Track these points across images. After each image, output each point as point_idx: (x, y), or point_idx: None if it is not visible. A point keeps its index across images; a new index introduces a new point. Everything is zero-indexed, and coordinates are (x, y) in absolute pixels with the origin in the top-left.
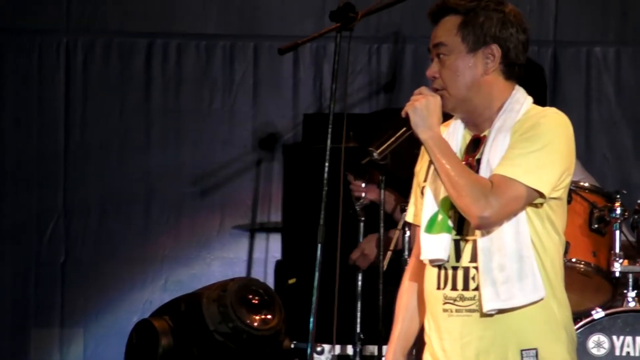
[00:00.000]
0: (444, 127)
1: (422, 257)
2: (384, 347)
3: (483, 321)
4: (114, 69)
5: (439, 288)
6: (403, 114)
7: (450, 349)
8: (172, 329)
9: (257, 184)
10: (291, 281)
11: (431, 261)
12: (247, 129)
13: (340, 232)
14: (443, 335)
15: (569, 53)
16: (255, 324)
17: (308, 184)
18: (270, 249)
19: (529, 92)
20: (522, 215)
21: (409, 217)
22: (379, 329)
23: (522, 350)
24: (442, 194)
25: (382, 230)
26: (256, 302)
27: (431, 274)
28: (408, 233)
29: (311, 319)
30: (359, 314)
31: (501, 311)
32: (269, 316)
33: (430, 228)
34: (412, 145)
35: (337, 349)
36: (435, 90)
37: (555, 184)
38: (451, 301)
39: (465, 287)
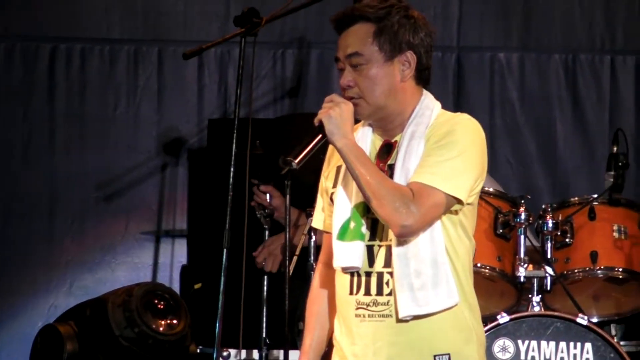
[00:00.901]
0: (359, 127)
1: (335, 265)
2: (290, 352)
3: (396, 326)
4: (17, 74)
5: (351, 293)
6: (316, 122)
7: (361, 354)
8: (77, 334)
9: (162, 188)
10: (197, 286)
11: (344, 269)
12: (151, 134)
13: (246, 237)
14: (355, 340)
15: (472, 58)
16: (161, 328)
17: (213, 189)
18: (176, 254)
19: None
20: (436, 222)
21: (315, 223)
22: (285, 333)
23: (435, 356)
24: (354, 200)
25: (288, 235)
26: (162, 307)
27: (343, 279)
28: (314, 238)
29: (217, 324)
30: (264, 319)
31: (415, 317)
32: (174, 321)
33: (342, 235)
34: (317, 151)
35: (243, 353)
36: (350, 99)
37: (471, 190)
38: (364, 306)
39: (379, 292)
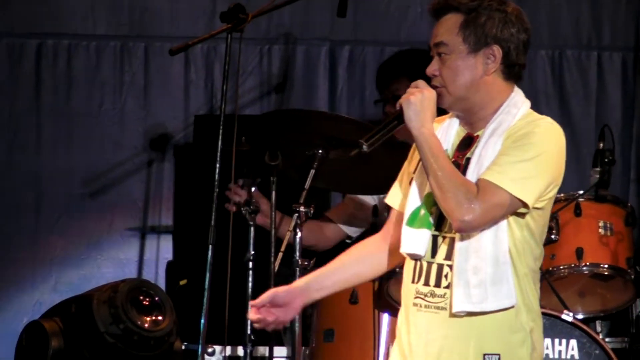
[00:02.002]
0: (438, 122)
1: (401, 250)
2: (275, 348)
3: (450, 320)
4: (3, 70)
5: (413, 282)
6: (397, 106)
7: (415, 344)
8: (63, 330)
9: (148, 185)
10: (182, 282)
11: (409, 255)
12: (137, 130)
13: (231, 233)
14: (411, 329)
15: None
16: (146, 325)
17: (199, 185)
18: (161, 250)
19: None
20: (502, 221)
21: (390, 199)
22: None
23: (484, 355)
24: (427, 189)
25: (273, 231)
26: (147, 303)
27: (408, 266)
28: (299, 234)
29: (202, 320)
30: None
31: (470, 313)
32: (159, 317)
33: (412, 221)
34: (304, 147)
35: (228, 350)
36: (435, 88)
37: (540, 195)
38: (422, 296)
39: (437, 284)
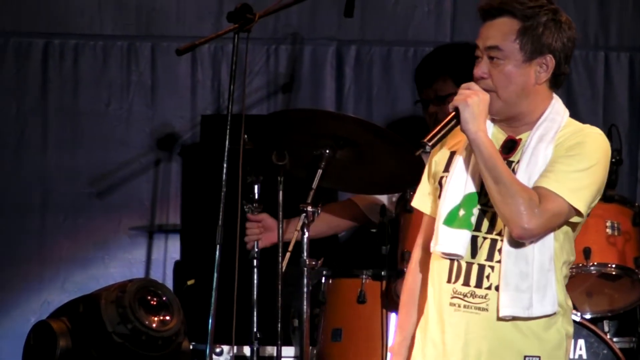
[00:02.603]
0: None
1: (437, 249)
2: (283, 348)
3: (491, 322)
4: (9, 70)
5: (449, 281)
6: (451, 107)
7: (451, 344)
8: (71, 330)
9: (155, 185)
10: (190, 282)
11: (447, 254)
12: (144, 130)
13: (239, 232)
14: (446, 329)
15: None
16: (154, 325)
17: (206, 185)
18: (169, 250)
19: None
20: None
21: (419, 204)
22: (278, 329)
23: (525, 357)
24: (467, 189)
25: (281, 231)
26: (155, 303)
27: (441, 266)
28: (307, 234)
29: (210, 320)
30: (255, 315)
31: (514, 317)
32: (167, 317)
33: (450, 221)
34: (311, 147)
35: (236, 349)
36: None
37: (591, 204)
38: (460, 296)
39: (478, 285)
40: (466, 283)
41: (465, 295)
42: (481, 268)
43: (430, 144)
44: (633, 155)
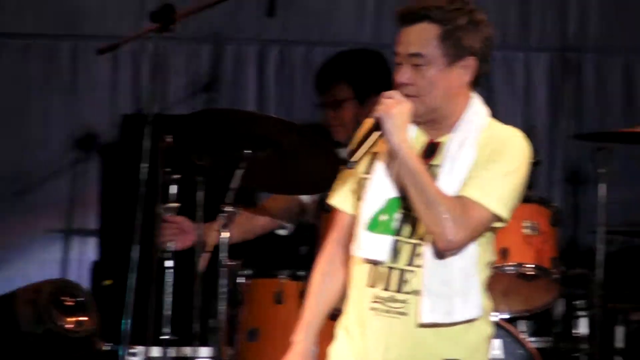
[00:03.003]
0: None
1: (358, 254)
2: (200, 348)
3: (411, 326)
4: None
5: (369, 285)
6: (374, 118)
7: (372, 348)
8: None
9: (73, 184)
10: (107, 282)
11: (368, 260)
12: (64, 129)
13: (157, 233)
14: (367, 332)
15: (388, 54)
16: (69, 326)
17: (125, 185)
18: (86, 251)
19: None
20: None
21: (337, 201)
22: (195, 330)
23: None
24: (390, 194)
25: (200, 231)
26: (70, 303)
27: (361, 270)
28: (224, 234)
29: (124, 321)
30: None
31: (435, 323)
32: (83, 318)
33: (372, 226)
34: (232, 147)
35: (152, 350)
36: (406, 96)
37: (514, 208)
38: (381, 301)
39: (399, 289)
40: (386, 288)
41: (385, 300)
42: (401, 273)
43: (352, 160)
44: (552, 155)
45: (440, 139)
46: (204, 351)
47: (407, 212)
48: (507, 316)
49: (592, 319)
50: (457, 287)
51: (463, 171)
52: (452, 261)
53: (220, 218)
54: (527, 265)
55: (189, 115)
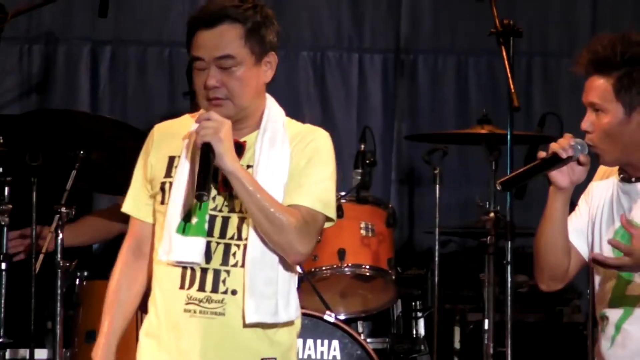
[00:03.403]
0: (182, 124)
1: (169, 258)
2: (36, 350)
3: (228, 326)
4: None
5: (182, 288)
6: (199, 143)
7: (188, 350)
8: None
9: None
10: None
11: (181, 263)
12: None
13: None
14: (182, 335)
15: None
16: None
17: None
18: None
19: None
20: None
21: (129, 208)
22: (31, 331)
23: (262, 359)
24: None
25: (34, 232)
26: None
27: (171, 273)
28: (61, 235)
29: None
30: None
31: (259, 324)
32: None
33: (183, 230)
34: (66, 147)
35: None
36: (216, 99)
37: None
38: (196, 302)
39: (214, 290)
40: (202, 289)
41: (201, 301)
42: (217, 273)
43: (205, 193)
44: (387, 156)
45: (244, 138)
46: (41, 353)
47: (215, 212)
48: (344, 317)
49: (429, 320)
50: (281, 288)
51: (280, 172)
52: (276, 260)
53: (54, 219)
54: (364, 267)
55: (21, 116)
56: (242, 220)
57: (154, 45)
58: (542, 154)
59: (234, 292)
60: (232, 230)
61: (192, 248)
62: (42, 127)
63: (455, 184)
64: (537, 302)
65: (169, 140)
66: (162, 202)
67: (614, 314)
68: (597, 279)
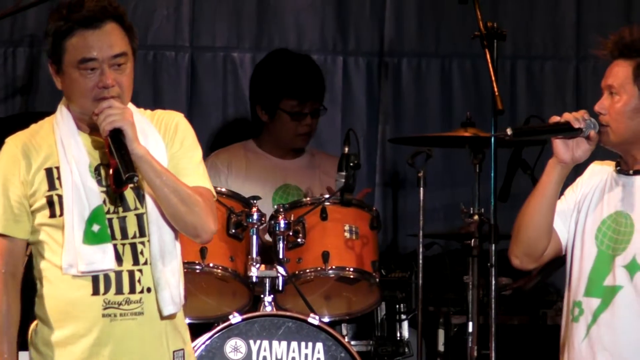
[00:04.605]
0: (39, 134)
1: (82, 270)
2: (20, 353)
3: (147, 323)
4: None
5: (96, 294)
6: (107, 129)
7: (112, 354)
8: None
9: None
10: None
11: (94, 272)
12: None
13: None
14: (103, 341)
15: (206, 58)
16: None
17: None
18: None
19: None
20: None
21: (9, 230)
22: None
23: (174, 352)
24: (93, 203)
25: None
26: None
27: (78, 281)
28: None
29: None
30: None
31: (172, 315)
32: None
33: (89, 239)
34: None
35: None
36: (111, 99)
37: None
38: (115, 305)
39: (132, 290)
40: (119, 291)
41: (120, 304)
42: (131, 274)
43: (135, 173)
44: (371, 159)
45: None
46: (23, 356)
47: (112, 215)
48: (328, 320)
49: (413, 323)
50: (180, 275)
51: (162, 160)
52: (174, 252)
53: None
54: (348, 269)
55: (5, 119)
56: (139, 217)
57: (138, 49)
58: (555, 118)
59: (149, 290)
60: (132, 228)
61: (102, 255)
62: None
63: (439, 187)
64: (521, 304)
65: (37, 153)
66: (53, 215)
67: (591, 304)
68: (575, 268)
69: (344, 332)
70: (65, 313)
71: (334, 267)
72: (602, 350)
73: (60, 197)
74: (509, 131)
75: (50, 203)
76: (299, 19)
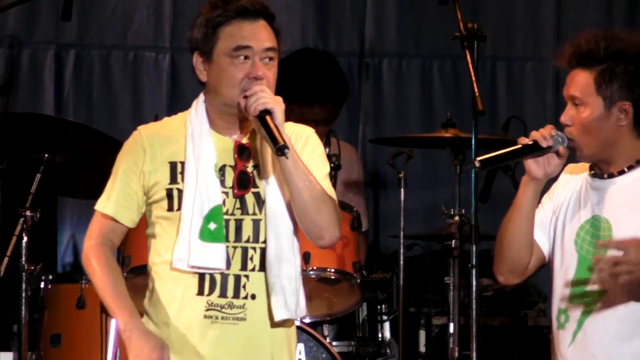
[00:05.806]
0: (171, 128)
1: (192, 264)
2: (1, 354)
3: (249, 331)
4: None
5: (201, 294)
6: (257, 110)
7: (210, 356)
8: None
9: None
10: None
11: (205, 269)
12: None
13: None
14: (201, 342)
15: (187, 59)
16: None
17: None
18: None
19: None
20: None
21: (112, 211)
22: None
23: None
24: (212, 202)
25: None
26: None
27: (185, 279)
28: (25, 239)
29: None
30: None
31: (275, 323)
32: None
33: (205, 236)
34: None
35: None
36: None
37: None
38: (217, 308)
39: (236, 295)
40: (223, 295)
41: (222, 307)
42: (237, 278)
43: (286, 145)
44: None
45: (245, 140)
46: (6, 356)
47: (229, 217)
48: (310, 320)
49: (394, 323)
50: (298, 283)
51: (272, 170)
52: (293, 258)
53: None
54: (330, 270)
55: None
56: (255, 223)
57: (118, 49)
58: (523, 140)
59: (253, 297)
60: (246, 233)
61: (214, 254)
62: (7, 131)
63: (420, 188)
64: (502, 305)
65: (164, 146)
66: (170, 209)
67: (575, 310)
68: (557, 276)
69: (325, 332)
70: (169, 310)
71: (315, 267)
72: (588, 356)
73: (180, 191)
74: (477, 163)
75: (169, 196)
76: (279, 18)
